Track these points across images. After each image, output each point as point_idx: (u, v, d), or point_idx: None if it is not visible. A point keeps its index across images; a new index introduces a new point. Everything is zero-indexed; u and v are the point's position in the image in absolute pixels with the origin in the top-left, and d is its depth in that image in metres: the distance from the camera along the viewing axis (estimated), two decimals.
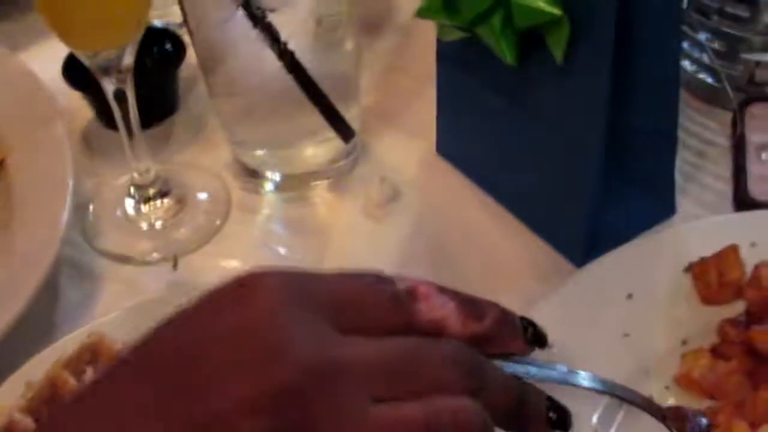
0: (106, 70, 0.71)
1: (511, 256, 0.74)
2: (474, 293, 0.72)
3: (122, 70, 0.71)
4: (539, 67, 0.67)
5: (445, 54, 0.76)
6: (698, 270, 0.67)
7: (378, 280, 0.43)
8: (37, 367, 0.65)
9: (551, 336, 0.65)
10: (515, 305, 0.70)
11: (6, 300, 0.69)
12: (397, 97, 0.88)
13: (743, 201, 0.75)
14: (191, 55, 0.86)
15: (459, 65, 0.75)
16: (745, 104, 0.81)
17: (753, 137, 0.79)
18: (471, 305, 0.46)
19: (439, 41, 0.76)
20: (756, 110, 0.80)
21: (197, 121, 0.88)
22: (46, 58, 0.88)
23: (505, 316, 0.47)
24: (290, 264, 0.76)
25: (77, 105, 0.88)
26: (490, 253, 0.75)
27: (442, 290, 0.45)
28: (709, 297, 0.66)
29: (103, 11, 0.68)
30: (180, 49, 0.88)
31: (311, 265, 0.75)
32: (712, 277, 0.66)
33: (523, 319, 0.49)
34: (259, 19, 0.71)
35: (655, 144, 0.72)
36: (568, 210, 0.72)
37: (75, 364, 0.64)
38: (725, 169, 0.79)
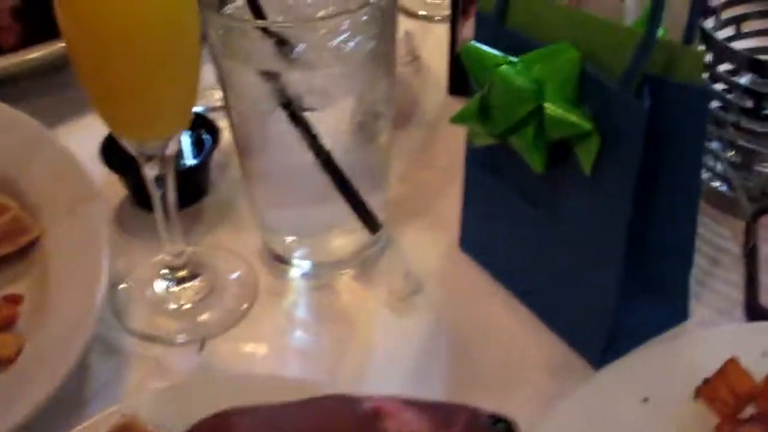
0: (150, 158, 0.74)
1: (529, 352, 0.76)
2: (492, 388, 0.75)
3: (165, 157, 0.74)
4: (566, 175, 0.70)
5: (473, 156, 0.79)
6: (707, 392, 0.68)
7: (343, 404, 0.45)
8: None
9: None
10: (532, 402, 0.73)
11: (40, 378, 0.71)
12: (422, 191, 0.91)
13: (755, 310, 0.77)
14: (224, 139, 0.90)
15: (486, 168, 0.78)
16: (758, 215, 0.83)
17: (765, 248, 0.81)
18: (439, 413, 0.47)
19: (468, 143, 0.79)
20: (764, 224, 0.83)
21: (227, 205, 0.91)
22: (83, 136, 0.92)
23: (474, 417, 0.48)
24: (315, 350, 0.78)
25: (110, 183, 0.90)
26: (509, 349, 0.77)
27: (408, 403, 0.46)
28: (728, 412, 0.67)
29: (155, 106, 0.71)
30: (214, 134, 0.91)
31: (336, 354, 0.78)
32: (724, 394, 0.68)
33: (492, 416, 0.50)
34: (298, 118, 0.74)
35: (673, 252, 0.74)
36: (587, 311, 0.74)
37: None
38: (738, 276, 0.81)
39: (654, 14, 0.62)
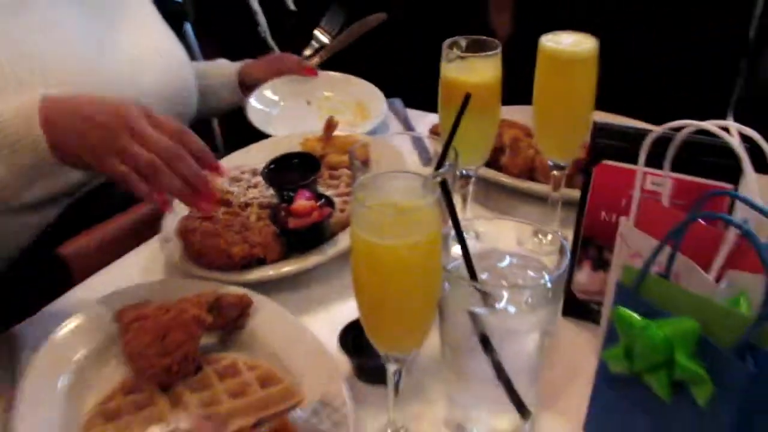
0: (395, 360, 0.77)
1: None
2: None
3: (405, 362, 0.77)
4: (685, 403, 0.70)
5: (604, 374, 0.80)
6: None
7: None
8: None
9: None
10: None
11: None
12: (551, 388, 0.91)
13: None
14: None
15: (614, 382, 0.78)
16: None
17: None
18: None
19: (601, 364, 0.80)
20: None
21: (421, 385, 0.92)
22: (323, 325, 0.96)
23: None
24: None
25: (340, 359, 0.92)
26: None
27: None
28: None
29: (405, 331, 0.75)
30: None
31: None
32: None
33: None
34: (488, 344, 0.77)
35: None
36: None
37: None
38: None
39: (765, 307, 0.64)
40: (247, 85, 1.57)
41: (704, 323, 0.68)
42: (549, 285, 0.76)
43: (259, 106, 1.53)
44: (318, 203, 1.11)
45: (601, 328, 0.95)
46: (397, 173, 0.71)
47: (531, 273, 0.81)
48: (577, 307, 1.01)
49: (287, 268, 1.06)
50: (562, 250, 0.78)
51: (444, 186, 0.71)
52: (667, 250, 0.76)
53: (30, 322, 1.00)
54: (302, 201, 1.10)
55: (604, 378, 0.81)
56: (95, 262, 1.13)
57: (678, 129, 0.81)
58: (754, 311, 0.72)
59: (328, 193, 1.17)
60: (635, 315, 0.72)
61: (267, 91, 1.57)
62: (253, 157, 1.31)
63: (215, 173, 0.99)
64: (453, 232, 0.77)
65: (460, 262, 0.77)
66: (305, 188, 1.13)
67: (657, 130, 0.82)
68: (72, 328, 0.93)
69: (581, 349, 0.97)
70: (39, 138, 0.88)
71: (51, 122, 0.89)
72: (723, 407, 0.68)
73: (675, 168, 0.85)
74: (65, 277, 1.12)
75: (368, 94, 1.56)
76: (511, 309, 0.76)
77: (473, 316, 0.76)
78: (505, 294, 0.76)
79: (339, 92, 1.59)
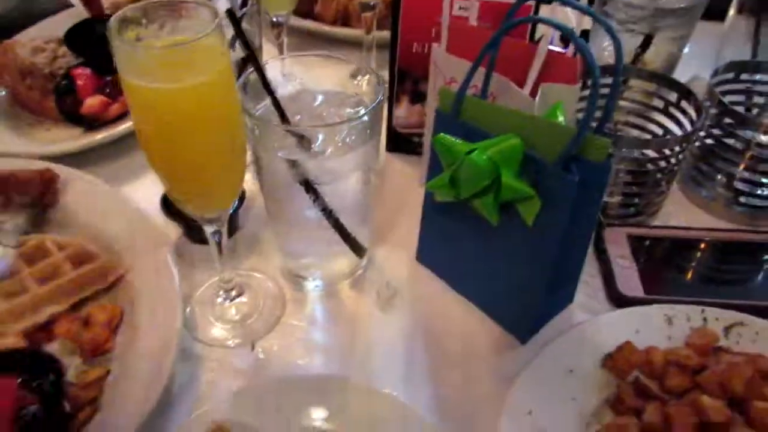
0: (209, 221, 0.56)
1: (476, 334, 0.63)
2: (455, 362, 0.60)
3: (221, 221, 0.56)
4: (511, 224, 0.55)
5: (430, 202, 0.64)
6: (610, 363, 0.57)
7: None
8: None
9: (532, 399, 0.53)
10: (483, 369, 0.58)
11: (148, 390, 0.53)
12: (382, 224, 0.74)
13: (617, 297, 0.65)
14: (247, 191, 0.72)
15: (442, 213, 0.63)
16: (602, 227, 0.72)
17: (611, 249, 0.70)
18: None
19: (427, 195, 0.63)
20: (608, 233, 0.71)
21: (255, 238, 0.72)
22: (145, 191, 0.72)
23: None
24: (331, 343, 0.62)
25: (167, 224, 0.70)
26: (462, 332, 0.63)
27: None
28: (624, 376, 0.56)
29: (213, 188, 0.53)
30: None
31: (345, 346, 0.62)
32: (622, 363, 0.56)
33: None
34: (312, 189, 0.57)
35: (574, 264, 0.62)
36: (519, 306, 0.61)
37: None
38: (595, 271, 0.69)
39: (585, 119, 0.48)
40: None
41: (527, 140, 0.52)
42: (366, 118, 0.55)
43: None
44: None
45: (423, 159, 0.78)
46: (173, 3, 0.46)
47: (349, 110, 0.61)
48: (400, 142, 0.82)
49: (89, 138, 0.80)
50: (378, 83, 0.58)
51: (231, 15, 0.47)
52: (482, 71, 0.58)
53: None
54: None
55: (430, 208, 0.65)
56: None
57: None
58: (569, 120, 0.56)
59: None
60: (457, 140, 0.54)
61: None
62: (52, 28, 0.98)
63: None
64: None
65: (268, 104, 0.55)
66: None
67: None
68: None
69: (408, 183, 0.80)
70: None
71: None
72: (550, 223, 0.53)
73: None
74: None
75: None
76: (329, 150, 0.56)
77: (291, 163, 0.56)
78: (321, 134, 0.56)
79: None
